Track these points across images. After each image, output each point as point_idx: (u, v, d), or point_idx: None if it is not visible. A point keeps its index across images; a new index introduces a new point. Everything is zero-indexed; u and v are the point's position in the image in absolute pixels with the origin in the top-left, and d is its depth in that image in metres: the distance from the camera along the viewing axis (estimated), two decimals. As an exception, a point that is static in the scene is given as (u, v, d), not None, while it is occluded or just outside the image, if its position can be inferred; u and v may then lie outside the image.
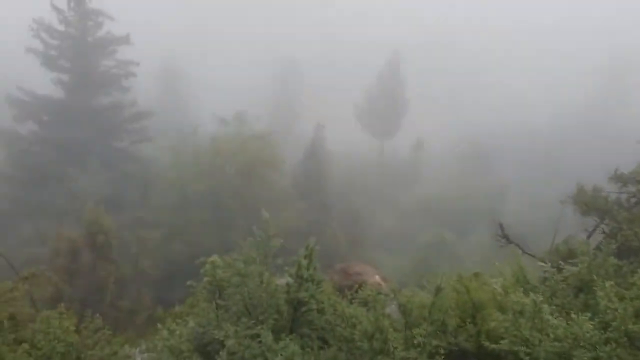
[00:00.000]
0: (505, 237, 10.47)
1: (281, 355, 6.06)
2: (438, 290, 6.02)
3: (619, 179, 10.61)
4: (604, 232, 10.16)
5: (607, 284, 5.26)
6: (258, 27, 72.22)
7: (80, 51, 34.06)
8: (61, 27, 34.19)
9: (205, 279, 8.33)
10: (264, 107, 52.20)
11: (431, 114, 58.63)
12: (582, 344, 4.88)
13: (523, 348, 5.16)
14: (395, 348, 5.92)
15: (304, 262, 7.62)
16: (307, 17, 75.57)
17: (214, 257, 8.71)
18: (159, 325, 7.50)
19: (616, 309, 4.96)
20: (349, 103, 54.75)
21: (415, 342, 5.83)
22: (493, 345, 5.55)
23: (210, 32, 69.03)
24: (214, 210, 25.75)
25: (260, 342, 6.32)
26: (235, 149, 29.36)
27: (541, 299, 5.42)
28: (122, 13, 35.64)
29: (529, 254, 9.64)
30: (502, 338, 5.47)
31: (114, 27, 34.75)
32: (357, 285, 8.60)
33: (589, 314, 5.18)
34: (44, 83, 34.47)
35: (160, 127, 35.93)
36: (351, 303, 7.54)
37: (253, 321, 6.89)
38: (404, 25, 72.66)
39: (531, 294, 5.53)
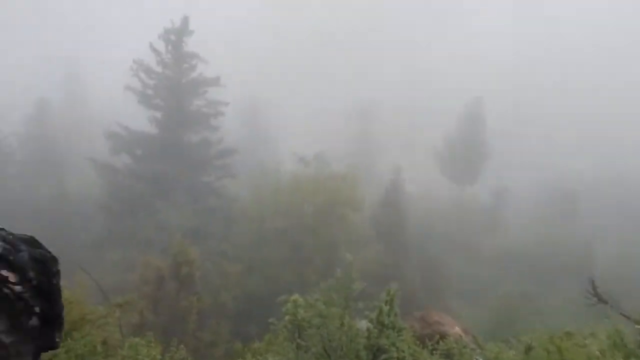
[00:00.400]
0: (597, 296, 9.91)
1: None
2: (528, 348, 5.82)
3: None
4: None
5: None
6: (341, 68, 73.88)
7: (174, 91, 36.33)
8: (158, 69, 36.72)
9: (286, 317, 8.46)
10: (344, 146, 52.97)
11: (513, 160, 57.03)
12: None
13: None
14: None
15: (385, 308, 7.59)
16: (391, 59, 76.53)
17: (296, 296, 8.85)
18: (238, 360, 7.66)
19: None
20: (429, 146, 54.36)
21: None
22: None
23: (294, 72, 71.32)
24: (292, 248, 26.19)
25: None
26: (315, 188, 29.88)
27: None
28: (214, 54, 37.93)
29: (624, 315, 9.05)
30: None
31: (206, 69, 36.95)
32: (437, 336, 8.44)
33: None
34: (140, 119, 36.90)
35: (244, 164, 37.31)
36: (432, 354, 7.40)
37: (332, 364, 6.90)
38: (485, 70, 71.90)
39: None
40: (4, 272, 1.74)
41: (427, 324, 10.35)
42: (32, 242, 1.92)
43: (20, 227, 1.91)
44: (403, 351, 7.23)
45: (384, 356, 7.32)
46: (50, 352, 1.95)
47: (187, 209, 32.47)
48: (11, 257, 1.78)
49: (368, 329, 7.50)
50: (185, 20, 35.91)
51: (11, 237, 1.86)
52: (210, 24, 55.17)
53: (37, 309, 1.85)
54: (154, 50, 36.29)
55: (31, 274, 1.83)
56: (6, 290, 1.76)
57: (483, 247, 39.59)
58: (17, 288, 1.79)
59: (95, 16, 76.58)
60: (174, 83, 36.53)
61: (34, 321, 1.84)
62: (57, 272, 1.96)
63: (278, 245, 26.03)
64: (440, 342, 7.45)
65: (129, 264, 26.57)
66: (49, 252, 1.95)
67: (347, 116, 60.92)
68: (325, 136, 52.84)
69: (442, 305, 24.51)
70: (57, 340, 1.99)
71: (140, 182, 35.01)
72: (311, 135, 49.96)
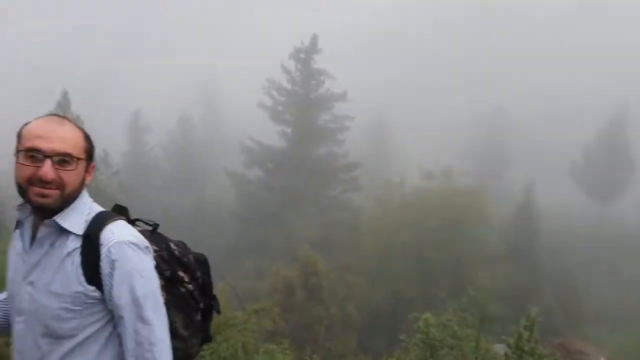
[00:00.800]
0: None
1: None
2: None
3: None
4: None
5: None
6: (465, 76, 71.86)
7: (303, 107, 37.85)
8: (288, 86, 38.52)
9: (418, 336, 8.44)
10: (471, 158, 51.38)
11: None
12: None
13: None
14: None
15: (525, 334, 7.33)
16: (519, 65, 72.92)
17: (427, 315, 8.83)
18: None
19: None
20: (564, 158, 50.84)
21: None
22: None
23: (417, 84, 70.56)
24: (418, 263, 25.90)
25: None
26: (441, 202, 29.35)
27: None
28: (341, 68, 38.97)
29: None
30: None
31: (333, 84, 38.04)
32: (581, 366, 7.95)
33: None
34: (271, 134, 38.81)
35: (369, 178, 37.67)
36: (577, 385, 7.01)
37: (470, 388, 6.80)
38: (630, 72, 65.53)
39: None
40: (181, 273, 2.01)
41: (568, 352, 9.78)
42: (185, 246, 2.15)
43: (165, 233, 2.18)
44: (544, 380, 6.93)
45: (523, 383, 7.06)
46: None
47: (314, 220, 33.52)
48: (185, 260, 2.04)
49: (506, 354, 7.28)
50: (314, 39, 37.28)
51: (176, 242, 2.10)
52: (337, 37, 56.55)
53: (201, 305, 2.10)
54: (285, 69, 38.10)
55: (198, 274, 2.08)
56: (182, 289, 2.02)
57: (628, 271, 36.13)
58: (190, 287, 2.04)
59: (230, 33, 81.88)
60: (302, 99, 38.05)
61: (198, 316, 2.09)
62: (210, 271, 2.18)
63: (403, 259, 25.88)
64: (586, 374, 7.02)
65: (259, 271, 27.91)
66: (202, 254, 2.18)
67: (474, 127, 59.01)
68: (453, 146, 51.68)
69: (582, 332, 22.79)
70: (209, 333, 2.25)
71: (270, 193, 36.74)
72: (437, 148, 49.09)
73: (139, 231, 1.93)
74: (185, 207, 41.20)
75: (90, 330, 1.74)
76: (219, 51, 74.72)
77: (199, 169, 48.59)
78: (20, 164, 1.71)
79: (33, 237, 1.81)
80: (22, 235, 1.86)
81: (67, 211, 1.76)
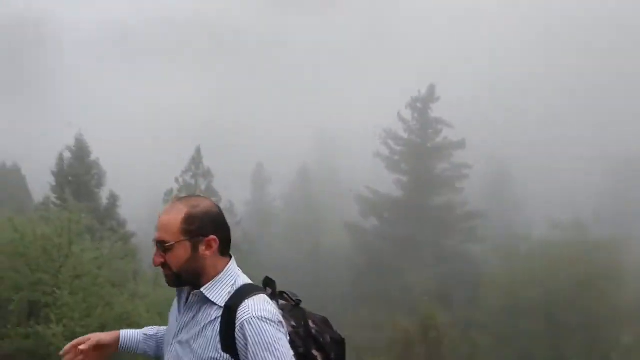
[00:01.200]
0: None
1: None
2: None
3: None
4: None
5: None
6: (594, 120, 67.16)
7: (420, 156, 37.59)
8: (405, 135, 38.57)
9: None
10: (605, 208, 47.40)
11: None
12: None
13: None
14: None
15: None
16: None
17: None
18: None
19: None
20: None
21: None
22: None
23: (541, 130, 67.17)
24: (547, 321, 23.98)
25: None
26: (572, 257, 27.25)
27: None
28: (459, 118, 38.43)
29: None
30: None
31: (450, 132, 37.52)
32: None
33: None
34: (386, 183, 38.80)
35: (491, 229, 36.11)
36: None
37: None
38: None
39: None
40: (314, 352, 2.03)
41: None
42: (327, 323, 2.18)
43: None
44: None
45: None
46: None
47: (432, 271, 32.56)
48: (321, 339, 2.06)
49: None
50: (432, 88, 37.31)
51: (315, 318, 2.13)
52: (454, 85, 56.01)
53: None
54: (402, 119, 38.30)
55: (332, 355, 2.08)
56: None
57: None
58: None
59: (345, 83, 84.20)
60: (419, 148, 37.84)
61: None
62: (345, 352, 2.17)
63: (532, 317, 24.08)
64: None
65: (376, 322, 27.41)
66: (339, 334, 2.17)
67: (607, 175, 54.65)
68: (582, 198, 48.15)
69: None
70: None
71: (386, 243, 36.45)
72: (566, 198, 46.00)
73: (282, 305, 2.04)
74: (303, 255, 41.99)
75: None
76: (336, 103, 77.05)
77: (316, 218, 49.54)
78: None
79: (187, 301, 2.00)
80: (179, 297, 2.06)
81: (214, 282, 1.93)
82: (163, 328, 2.31)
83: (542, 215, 33.72)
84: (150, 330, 2.34)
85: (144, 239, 23.57)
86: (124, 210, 21.36)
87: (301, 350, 1.98)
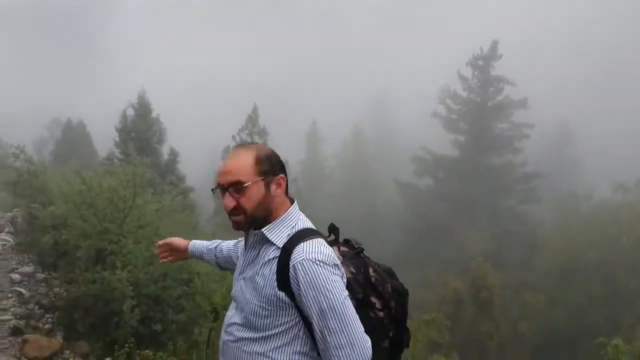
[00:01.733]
0: None
1: None
2: None
3: None
4: None
5: None
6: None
7: (478, 115, 36.57)
8: (464, 94, 37.51)
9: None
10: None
11: None
12: None
13: None
14: None
15: None
16: None
17: (617, 341, 8.08)
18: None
19: None
20: None
21: None
22: None
23: (605, 87, 63.67)
24: (604, 284, 23.35)
25: None
26: (634, 219, 26.21)
27: None
28: (521, 76, 36.94)
29: None
30: None
31: (512, 91, 36.19)
32: None
33: None
34: (444, 143, 38.09)
35: (549, 190, 35.08)
36: None
37: None
38: None
39: None
40: (373, 299, 2.10)
41: None
42: (390, 273, 2.25)
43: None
44: None
45: None
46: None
47: (486, 232, 32.13)
48: (380, 287, 2.13)
49: None
50: (494, 45, 35.90)
51: (377, 267, 2.21)
52: (517, 42, 53.71)
53: (390, 334, 2.16)
54: (461, 77, 37.20)
55: (392, 304, 2.15)
56: (372, 315, 2.10)
57: None
58: (380, 314, 2.12)
59: (404, 41, 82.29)
60: (479, 107, 36.79)
61: (385, 343, 2.15)
62: (407, 303, 2.24)
63: (588, 280, 23.51)
64: None
65: (426, 282, 27.50)
66: (402, 285, 2.25)
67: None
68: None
69: None
70: None
71: (440, 203, 36.07)
72: (630, 159, 43.82)
73: (343, 252, 2.13)
74: (355, 215, 42.25)
75: (279, 328, 1.98)
76: (393, 60, 75.59)
77: (369, 178, 49.50)
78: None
79: (250, 240, 2.13)
80: (247, 237, 2.19)
81: (275, 223, 2.03)
82: (226, 242, 2.63)
83: (604, 176, 32.38)
84: (212, 244, 2.65)
85: (202, 194, 24.41)
86: (183, 166, 22.06)
87: (359, 296, 2.05)
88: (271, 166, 2.06)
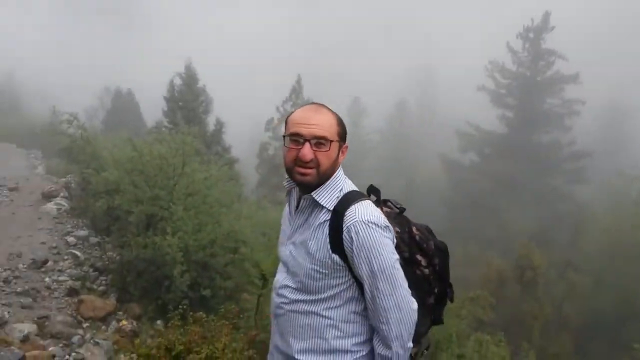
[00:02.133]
0: None
1: None
2: None
3: None
4: None
5: None
6: None
7: (528, 90, 35.48)
8: (513, 68, 36.37)
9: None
10: None
11: None
12: None
13: None
14: None
15: None
16: None
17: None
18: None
19: None
20: None
21: None
22: None
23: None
24: (656, 268, 22.57)
25: None
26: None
27: None
28: (574, 52, 35.52)
29: None
30: None
31: (563, 66, 34.89)
32: None
33: None
34: (490, 119, 37.20)
35: (599, 170, 33.95)
36: None
37: None
38: None
39: None
40: (418, 256, 2.15)
41: None
42: (430, 231, 2.30)
43: None
44: None
45: None
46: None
47: (531, 211, 31.41)
48: (424, 245, 2.17)
49: None
50: (546, 17, 34.55)
51: (418, 225, 2.25)
52: (570, 14, 51.50)
53: (435, 290, 2.22)
54: (511, 50, 36.05)
55: (436, 261, 2.20)
56: (418, 272, 2.16)
57: None
58: (426, 271, 2.18)
59: (450, 13, 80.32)
60: (528, 81, 35.69)
61: (431, 299, 2.23)
62: (448, 259, 2.26)
63: (636, 262, 22.75)
64: None
65: (468, 259, 27.17)
66: (443, 242, 2.28)
67: None
68: None
69: None
70: (442, 317, 2.35)
71: (485, 180, 35.43)
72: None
73: (386, 212, 2.16)
74: (397, 189, 41.96)
75: (334, 290, 2.02)
76: (438, 33, 73.91)
77: (412, 153, 49.03)
78: (287, 147, 2.02)
79: (297, 205, 2.14)
80: (289, 202, 2.22)
81: (323, 187, 2.04)
82: None
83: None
84: None
85: (246, 164, 24.63)
86: (228, 137, 22.26)
87: (406, 254, 2.11)
88: (345, 132, 2.10)
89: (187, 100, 20.46)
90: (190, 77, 20.88)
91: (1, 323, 6.43)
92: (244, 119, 46.41)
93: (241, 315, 5.80)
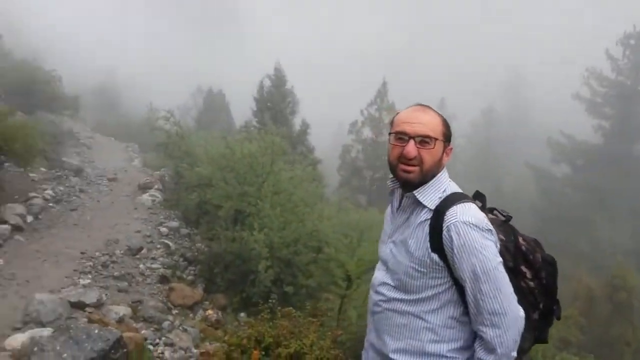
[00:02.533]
0: None
1: None
2: None
3: None
4: None
5: None
6: None
7: (627, 99, 33.26)
8: (612, 76, 34.25)
9: None
10: None
11: None
12: None
13: None
14: None
15: None
16: None
17: None
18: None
19: None
20: None
21: None
22: None
23: None
24: None
25: None
26: None
27: None
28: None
29: None
30: None
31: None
32: None
33: None
34: (584, 129, 35.25)
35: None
36: None
37: None
38: None
39: None
40: (523, 268, 2.07)
41: None
42: (538, 243, 2.20)
43: None
44: None
45: None
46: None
47: (627, 228, 29.43)
48: (530, 257, 2.09)
49: None
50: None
51: (525, 236, 2.17)
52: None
53: (541, 305, 2.11)
54: (610, 57, 33.97)
55: (543, 274, 2.10)
56: (522, 284, 2.06)
57: None
58: (531, 284, 2.08)
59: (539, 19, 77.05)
60: (627, 90, 33.45)
61: (536, 315, 2.10)
62: (557, 274, 2.15)
63: None
64: None
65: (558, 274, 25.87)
66: (551, 256, 2.19)
67: None
68: None
69: None
70: (547, 335, 2.22)
71: (577, 192, 33.61)
72: None
73: (491, 219, 2.08)
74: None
75: (432, 291, 1.98)
76: (531, 38, 71.07)
77: (499, 160, 47.44)
78: (392, 144, 2.04)
79: (400, 204, 2.15)
80: (392, 201, 2.23)
81: (425, 187, 2.03)
82: None
83: None
84: None
85: (328, 165, 24.83)
86: (312, 138, 22.59)
87: (510, 264, 2.03)
88: (450, 134, 2.08)
89: (275, 101, 20.99)
90: (278, 79, 21.41)
91: (99, 304, 6.90)
92: (328, 119, 46.84)
93: (326, 315, 5.88)
